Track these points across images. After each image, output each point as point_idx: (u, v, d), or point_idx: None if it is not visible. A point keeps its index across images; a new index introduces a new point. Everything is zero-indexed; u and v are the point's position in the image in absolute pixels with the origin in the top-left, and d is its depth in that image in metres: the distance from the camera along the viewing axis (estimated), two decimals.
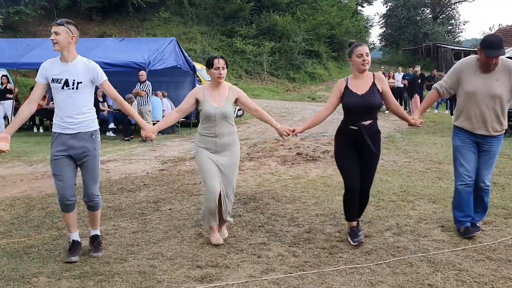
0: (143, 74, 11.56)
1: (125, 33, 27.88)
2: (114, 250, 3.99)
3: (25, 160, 8.74)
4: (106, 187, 6.29)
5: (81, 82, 3.64)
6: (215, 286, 3.30)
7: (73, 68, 3.64)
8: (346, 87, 3.97)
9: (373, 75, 3.99)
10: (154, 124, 11.80)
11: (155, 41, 14.60)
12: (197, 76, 14.99)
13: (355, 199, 4.09)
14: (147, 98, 11.64)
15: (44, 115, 14.07)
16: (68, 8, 27.35)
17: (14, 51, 13.61)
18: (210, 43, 29.45)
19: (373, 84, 3.94)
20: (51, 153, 3.71)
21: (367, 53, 3.88)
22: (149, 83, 11.67)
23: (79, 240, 3.89)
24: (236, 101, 4.12)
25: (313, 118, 4.21)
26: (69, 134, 3.65)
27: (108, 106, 13.28)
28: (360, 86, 3.93)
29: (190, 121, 13.99)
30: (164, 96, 13.53)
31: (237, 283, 3.33)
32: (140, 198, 5.76)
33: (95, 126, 3.78)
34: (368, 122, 3.93)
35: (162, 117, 12.94)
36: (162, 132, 12.94)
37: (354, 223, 4.15)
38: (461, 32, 45.71)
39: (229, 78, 25.52)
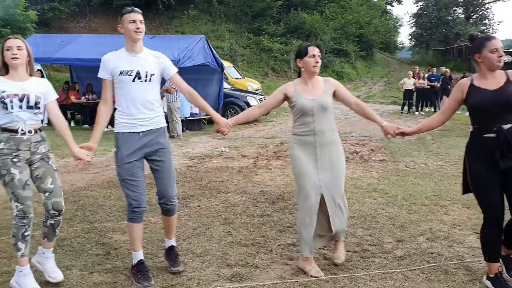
0: None
1: (155, 31, 28.16)
2: (145, 245, 4.00)
3: (57, 153, 8.90)
4: None
5: (153, 74, 3.30)
6: (245, 286, 3.29)
7: (143, 59, 3.30)
8: (472, 85, 3.17)
9: (506, 73, 3.16)
10: (182, 121, 12.06)
11: (185, 38, 14.70)
12: (224, 74, 15.03)
13: (499, 234, 3.19)
14: (176, 95, 11.72)
15: (75, 110, 14.33)
16: (100, 5, 27.78)
17: (48, 46, 13.90)
18: (238, 41, 29.49)
19: (508, 81, 3.11)
20: (119, 156, 3.30)
21: (501, 47, 3.10)
22: None
23: (143, 259, 3.44)
24: (334, 94, 3.57)
25: (427, 122, 3.54)
26: (141, 132, 3.28)
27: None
28: (490, 84, 3.13)
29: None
30: None
31: (267, 284, 3.30)
32: None
33: (165, 122, 3.49)
34: (509, 125, 3.03)
35: (190, 113, 13.04)
36: (189, 128, 13.04)
37: (497, 266, 3.21)
38: (495, 32, 44.26)
39: (255, 76, 25.53)
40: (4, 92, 3.08)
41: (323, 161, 3.47)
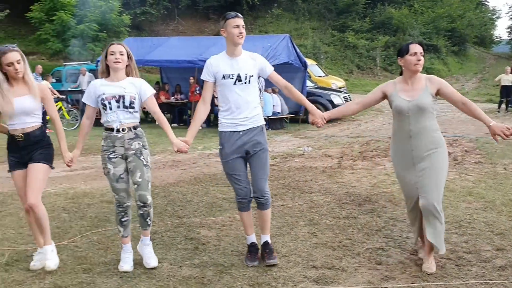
0: None
1: None
2: (231, 242, 4.08)
3: (149, 149, 9.38)
4: (221, 179, 6.49)
5: (252, 76, 3.51)
6: None
7: (242, 62, 3.51)
8: None
9: None
10: (265, 120, 12.14)
11: (269, 38, 14.80)
12: (308, 72, 14.92)
13: None
14: (259, 93, 11.82)
15: (165, 109, 14.95)
16: (188, 7, 28.91)
17: (140, 49, 14.69)
18: (321, 39, 29.22)
19: None
20: (223, 153, 3.57)
21: None
22: (262, 79, 11.83)
23: (256, 242, 3.74)
24: (437, 93, 3.42)
25: None
26: (241, 131, 3.51)
27: None
28: None
29: (298, 117, 14.00)
30: (274, 92, 13.68)
31: None
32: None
33: (263, 120, 3.65)
34: None
35: (273, 112, 13.11)
36: (272, 127, 13.11)
37: None
38: None
39: (339, 74, 25.09)
40: (104, 94, 3.37)
41: (419, 163, 3.40)
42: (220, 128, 3.58)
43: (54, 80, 15.47)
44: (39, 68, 14.24)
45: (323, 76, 18.31)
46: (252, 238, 3.73)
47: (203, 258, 3.74)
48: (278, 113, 13.36)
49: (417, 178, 3.42)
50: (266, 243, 3.70)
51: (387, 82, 3.60)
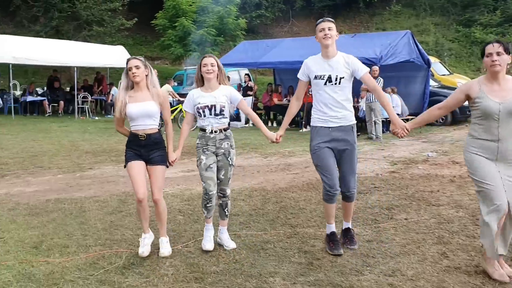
0: (376, 69, 11.14)
1: (355, 29, 27.89)
2: (348, 259, 3.72)
3: (261, 152, 9.35)
4: None
5: (343, 77, 3.72)
6: None
7: (335, 64, 3.75)
8: None
9: None
10: (383, 122, 11.48)
11: (388, 35, 14.02)
12: (430, 71, 13.81)
13: None
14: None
15: (278, 111, 14.97)
16: (302, 8, 28.80)
17: (255, 51, 14.86)
18: (444, 35, 27.16)
19: None
20: (312, 145, 3.85)
21: None
22: (382, 79, 11.18)
23: (335, 231, 3.98)
24: None
25: None
26: (331, 127, 3.76)
27: None
28: None
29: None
30: (393, 92, 12.87)
31: None
32: (371, 202, 5.40)
33: (354, 119, 3.86)
34: None
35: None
36: (389, 129, 12.34)
37: None
38: None
39: (465, 72, 23.06)
40: (199, 104, 3.91)
41: (505, 170, 3.25)
42: (312, 123, 3.90)
43: (175, 84, 16.32)
44: (155, 72, 15.29)
45: (447, 75, 16.90)
46: (333, 227, 3.95)
47: (318, 275, 3.43)
48: (398, 114, 12.53)
49: (503, 181, 3.23)
50: (347, 229, 4.03)
51: (468, 83, 3.45)
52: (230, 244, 4.00)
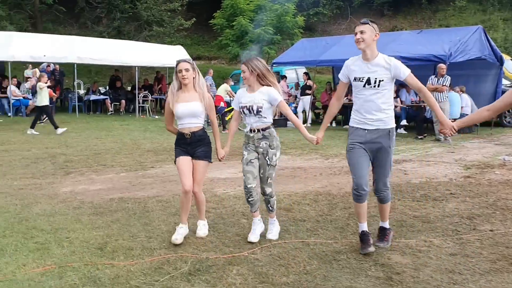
0: (443, 67, 10.50)
1: (416, 26, 26.79)
2: (432, 275, 3.36)
3: (322, 153, 9.03)
4: (407, 192, 5.74)
5: (382, 80, 3.68)
6: None
7: (375, 66, 3.71)
8: None
9: None
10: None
11: (457, 30, 13.20)
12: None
13: None
14: (445, 94, 10.54)
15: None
16: (361, 5, 28.06)
17: (314, 49, 14.49)
18: None
19: None
20: (347, 144, 3.85)
21: None
22: (449, 77, 10.53)
23: (367, 230, 3.92)
24: None
25: None
26: (367, 129, 3.75)
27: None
28: None
29: (491, 120, 12.15)
30: (462, 91, 12.11)
31: None
32: (449, 210, 4.98)
33: (393, 123, 3.80)
34: None
35: (461, 114, 11.60)
36: (458, 131, 11.61)
37: None
38: None
39: None
40: (241, 103, 4.12)
41: None
42: (350, 123, 3.90)
43: (232, 83, 16.28)
44: (211, 71, 16.11)
45: None
46: (364, 226, 3.90)
47: None
48: (466, 114, 11.77)
49: None
50: (382, 228, 4.04)
51: None
52: (273, 235, 4.17)
